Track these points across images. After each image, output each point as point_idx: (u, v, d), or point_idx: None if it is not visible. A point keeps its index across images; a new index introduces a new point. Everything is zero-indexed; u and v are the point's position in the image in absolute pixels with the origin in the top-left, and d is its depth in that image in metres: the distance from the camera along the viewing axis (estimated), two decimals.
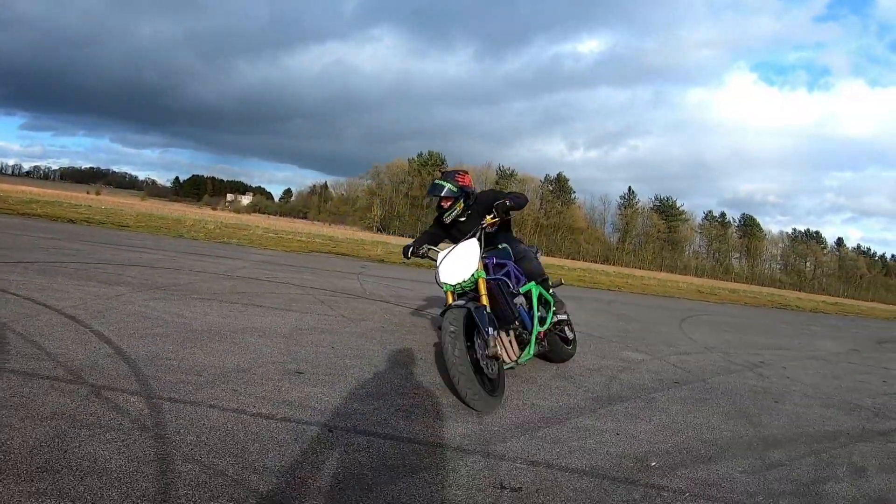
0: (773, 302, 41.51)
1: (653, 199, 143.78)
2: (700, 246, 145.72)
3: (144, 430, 4.42)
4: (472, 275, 6.89)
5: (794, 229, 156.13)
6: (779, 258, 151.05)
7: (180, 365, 6.22)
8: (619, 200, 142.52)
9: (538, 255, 8.97)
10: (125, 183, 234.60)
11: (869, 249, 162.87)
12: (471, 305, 6.53)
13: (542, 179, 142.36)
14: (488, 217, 7.30)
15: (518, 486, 4.30)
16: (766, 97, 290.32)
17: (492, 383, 6.27)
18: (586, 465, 4.88)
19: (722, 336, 15.63)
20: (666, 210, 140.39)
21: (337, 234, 57.40)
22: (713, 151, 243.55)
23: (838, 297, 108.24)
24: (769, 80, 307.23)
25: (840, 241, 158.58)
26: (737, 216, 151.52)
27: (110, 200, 75.68)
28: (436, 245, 8.06)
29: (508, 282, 7.27)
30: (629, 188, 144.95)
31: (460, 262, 7.05)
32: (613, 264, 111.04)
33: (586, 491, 4.39)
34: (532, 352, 7.32)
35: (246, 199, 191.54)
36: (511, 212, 7.55)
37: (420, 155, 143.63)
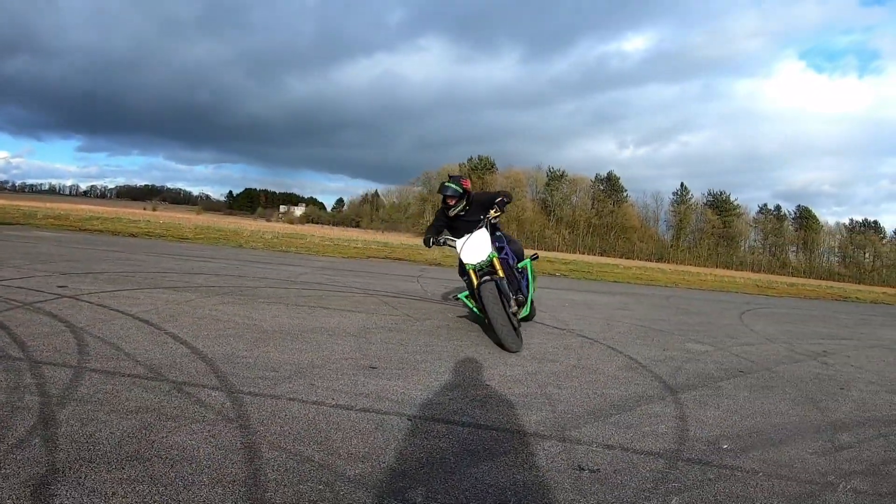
0: (832, 294, 40.81)
1: (706, 194, 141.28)
2: (755, 240, 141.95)
3: (229, 422, 4.53)
4: (489, 255, 9.05)
5: (852, 220, 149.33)
6: (836, 250, 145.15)
7: (256, 362, 6.36)
8: (672, 197, 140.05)
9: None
10: (180, 199, 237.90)
11: None
12: (496, 279, 8.82)
13: (593, 179, 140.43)
14: (492, 211, 9.59)
15: (596, 467, 4.36)
16: (816, 85, 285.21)
17: (517, 331, 8.68)
18: (660, 448, 4.94)
19: (783, 327, 15.44)
20: (720, 205, 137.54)
21: (391, 240, 57.41)
22: (765, 143, 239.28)
23: None
24: (818, 68, 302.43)
25: None
26: (792, 208, 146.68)
27: (167, 215, 76.50)
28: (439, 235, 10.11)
29: (509, 260, 9.60)
30: (682, 184, 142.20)
31: (477, 246, 9.15)
32: (668, 262, 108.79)
33: (662, 471, 4.46)
34: (528, 310, 9.81)
35: (299, 210, 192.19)
36: (506, 206, 9.76)
37: (470, 159, 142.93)
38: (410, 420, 5.02)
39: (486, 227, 9.40)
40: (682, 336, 11.41)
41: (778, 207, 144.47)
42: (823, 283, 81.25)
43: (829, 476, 4.80)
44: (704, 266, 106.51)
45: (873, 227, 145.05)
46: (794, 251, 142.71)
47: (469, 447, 4.52)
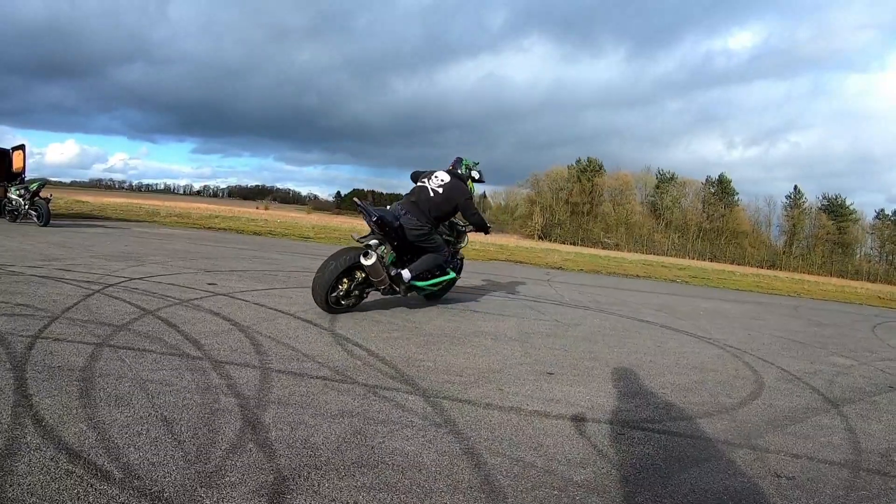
0: None
1: (820, 198, 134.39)
2: (872, 248, 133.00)
3: (438, 427, 4.65)
4: None
5: None
6: None
7: (436, 366, 6.50)
8: (785, 201, 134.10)
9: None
10: (289, 198, 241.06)
11: None
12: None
13: (703, 181, 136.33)
14: None
15: (791, 475, 4.48)
16: None
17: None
18: (840, 459, 5.04)
19: None
20: (835, 210, 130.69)
21: (504, 241, 56.80)
22: (880, 142, 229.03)
23: None
24: None
25: None
26: None
27: (279, 214, 77.05)
28: None
29: None
30: (795, 187, 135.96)
31: None
32: (781, 269, 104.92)
33: (849, 480, 4.59)
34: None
35: None
36: None
37: (579, 161, 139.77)
38: (609, 426, 5.14)
39: None
40: (822, 349, 11.28)
41: None
42: None
43: None
44: (819, 274, 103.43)
45: None
46: None
47: (673, 454, 4.65)
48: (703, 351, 9.39)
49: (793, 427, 5.80)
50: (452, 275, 10.64)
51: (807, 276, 76.25)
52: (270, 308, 8.67)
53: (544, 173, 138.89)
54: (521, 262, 26.89)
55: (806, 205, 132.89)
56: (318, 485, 3.55)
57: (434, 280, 10.16)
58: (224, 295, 9.27)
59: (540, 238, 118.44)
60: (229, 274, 11.83)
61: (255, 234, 27.39)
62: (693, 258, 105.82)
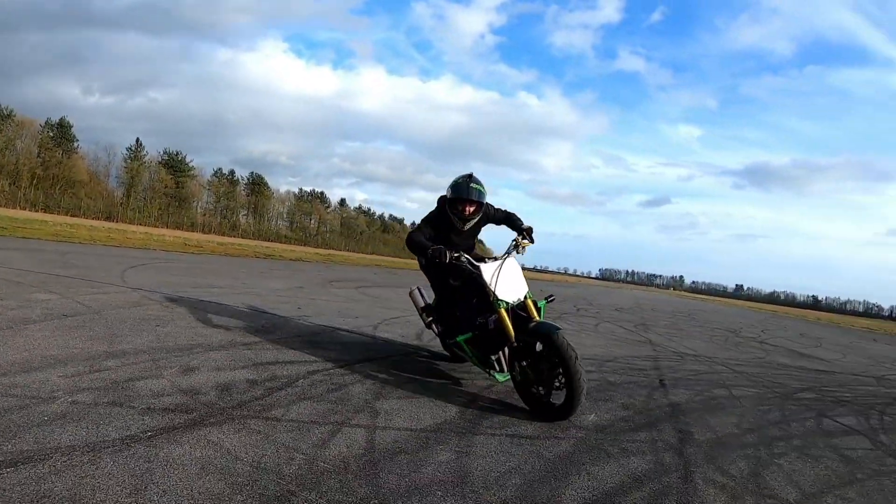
0: (258, 253, 43.59)
1: (161, 152, 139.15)
2: (209, 203, 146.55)
3: None
4: (526, 294, 7.45)
5: (301, 189, 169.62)
6: (285, 215, 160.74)
7: None
8: (126, 152, 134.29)
9: None
10: None
11: (370, 210, 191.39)
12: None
13: (42, 124, 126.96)
14: (525, 241, 7.97)
15: None
16: (293, 67, 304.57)
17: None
18: None
19: (162, 279, 16.23)
20: (175, 165, 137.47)
21: None
22: (234, 111, 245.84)
23: (340, 250, 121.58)
24: (299, 52, 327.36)
25: (343, 202, 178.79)
26: (246, 174, 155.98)
27: None
28: None
29: None
30: (137, 140, 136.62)
31: (514, 279, 7.46)
32: (117, 221, 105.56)
33: None
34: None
35: None
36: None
37: None
38: None
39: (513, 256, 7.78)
40: (35, 287, 11.51)
41: (232, 172, 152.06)
42: (265, 243, 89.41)
43: None
44: (155, 226, 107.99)
45: (320, 198, 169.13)
46: (245, 214, 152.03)
47: None
48: None
49: None
50: (460, 338, 7.64)
51: (137, 228, 78.19)
52: None
53: None
54: None
55: (146, 158, 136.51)
56: None
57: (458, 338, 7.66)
58: None
59: None
60: None
61: None
62: (25, 208, 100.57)
